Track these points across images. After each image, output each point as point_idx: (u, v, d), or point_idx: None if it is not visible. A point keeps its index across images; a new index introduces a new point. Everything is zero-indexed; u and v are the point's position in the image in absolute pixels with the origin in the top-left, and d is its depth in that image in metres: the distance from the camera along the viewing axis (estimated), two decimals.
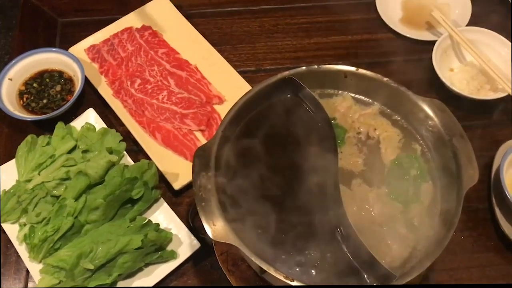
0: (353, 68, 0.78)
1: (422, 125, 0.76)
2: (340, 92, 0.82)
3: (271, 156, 0.75)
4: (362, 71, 0.78)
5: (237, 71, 0.97)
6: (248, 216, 0.69)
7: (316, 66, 0.79)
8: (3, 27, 2.40)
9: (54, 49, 0.94)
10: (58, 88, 0.93)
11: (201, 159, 0.70)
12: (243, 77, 0.96)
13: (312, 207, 0.70)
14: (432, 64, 0.95)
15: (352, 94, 0.82)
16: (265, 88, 0.77)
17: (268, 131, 0.77)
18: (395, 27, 1.03)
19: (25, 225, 0.80)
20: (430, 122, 0.75)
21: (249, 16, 1.06)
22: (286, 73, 0.77)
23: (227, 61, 0.98)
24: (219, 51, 1.00)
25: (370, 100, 0.81)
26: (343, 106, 0.81)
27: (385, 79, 0.77)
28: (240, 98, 0.75)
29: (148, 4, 1.03)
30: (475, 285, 0.79)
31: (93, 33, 1.01)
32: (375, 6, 1.05)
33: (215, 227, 0.65)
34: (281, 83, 0.78)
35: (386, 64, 1.00)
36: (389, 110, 0.80)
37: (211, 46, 1.00)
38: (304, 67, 0.78)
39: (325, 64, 0.79)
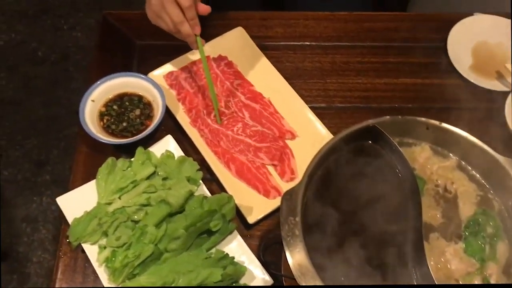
0: (436, 122, 0.80)
1: (500, 183, 0.78)
2: (418, 142, 0.84)
3: (355, 202, 0.77)
4: (445, 125, 0.80)
5: (308, 106, 0.99)
6: (332, 262, 0.71)
7: (400, 117, 0.81)
8: (51, 25, 2.46)
9: (135, 74, 0.97)
10: (138, 112, 0.96)
11: (288, 204, 0.72)
12: (314, 113, 0.99)
13: (393, 256, 0.73)
14: (500, 114, 0.97)
15: (431, 145, 0.84)
16: (348, 135, 0.79)
17: (350, 177, 0.79)
18: (465, 74, 1.04)
19: (105, 247, 0.83)
20: (509, 181, 0.76)
21: (321, 51, 1.08)
22: (370, 121, 0.80)
23: (299, 96, 1.01)
24: (291, 85, 1.02)
25: (449, 153, 0.83)
26: (422, 157, 0.83)
27: (468, 135, 0.79)
28: (325, 144, 0.77)
29: (226, 34, 1.06)
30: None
31: (170, 57, 1.04)
32: (446, 50, 1.07)
33: (303, 273, 0.67)
34: (364, 130, 0.80)
35: (454, 111, 1.01)
36: (467, 164, 0.81)
37: (284, 80, 1.02)
38: (388, 117, 0.80)
39: (408, 116, 0.81)
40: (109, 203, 0.87)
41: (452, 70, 1.06)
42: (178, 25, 0.90)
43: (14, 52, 2.37)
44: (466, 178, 0.81)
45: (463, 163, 0.82)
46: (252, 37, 1.07)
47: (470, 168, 0.81)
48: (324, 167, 0.79)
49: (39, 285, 1.81)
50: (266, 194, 0.90)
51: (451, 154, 0.83)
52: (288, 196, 0.73)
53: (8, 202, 1.99)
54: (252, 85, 1.02)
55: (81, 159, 0.95)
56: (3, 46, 2.38)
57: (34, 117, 2.20)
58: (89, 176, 0.92)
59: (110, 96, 0.97)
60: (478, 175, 0.81)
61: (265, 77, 1.03)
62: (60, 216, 0.88)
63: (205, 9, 0.92)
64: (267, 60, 1.04)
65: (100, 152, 0.95)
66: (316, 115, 0.98)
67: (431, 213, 0.78)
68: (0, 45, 2.39)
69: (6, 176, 2.03)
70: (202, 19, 1.12)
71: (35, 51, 2.37)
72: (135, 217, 0.85)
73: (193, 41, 0.93)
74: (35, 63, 2.34)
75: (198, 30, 0.92)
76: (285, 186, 0.91)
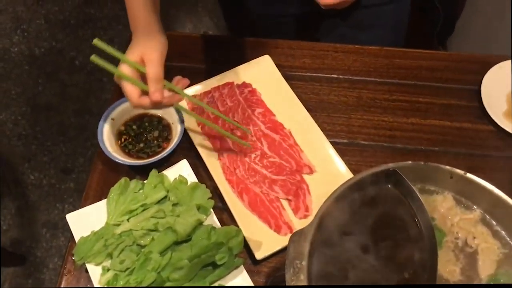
0: (461, 172, 0.76)
1: None
2: (441, 190, 0.80)
3: (367, 248, 0.73)
4: (470, 176, 0.75)
5: (329, 141, 0.97)
6: None
7: (422, 163, 0.77)
8: (91, 35, 2.52)
9: None
10: (156, 134, 0.95)
11: (296, 246, 0.69)
12: (335, 149, 0.96)
13: None
14: None
15: (454, 194, 0.79)
16: (367, 177, 0.76)
17: (364, 221, 0.75)
18: (498, 120, 0.99)
19: (108, 270, 0.82)
20: None
21: (348, 85, 1.06)
22: (391, 165, 0.76)
23: (321, 130, 0.98)
24: (313, 117, 0.99)
25: (473, 205, 0.78)
26: (443, 207, 0.79)
27: (494, 188, 0.74)
28: (341, 185, 0.74)
29: (252, 61, 1.05)
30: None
31: (195, 80, 1.03)
32: (480, 93, 1.02)
33: None
34: (384, 173, 0.77)
35: (483, 158, 0.97)
36: (492, 219, 0.77)
37: (307, 112, 0.99)
38: (410, 162, 0.76)
39: (432, 163, 0.77)
40: (117, 225, 0.85)
41: (484, 115, 1.01)
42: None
43: (53, 59, 2.43)
44: (489, 233, 0.76)
45: (488, 217, 0.77)
46: (279, 66, 1.06)
47: (494, 223, 0.76)
48: (338, 209, 0.76)
49: None
50: (278, 229, 0.87)
51: (475, 206, 0.78)
52: (297, 237, 0.70)
53: (31, 206, 2.02)
54: (273, 115, 1.00)
55: (96, 176, 0.95)
56: (43, 53, 2.45)
57: (65, 124, 2.24)
58: (101, 194, 0.92)
59: (130, 116, 0.97)
60: (503, 232, 0.75)
61: (287, 107, 1.00)
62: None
63: (184, 83, 0.87)
64: (291, 91, 1.02)
65: (115, 171, 0.94)
66: (337, 151, 0.95)
67: (449, 268, 0.73)
68: (41, 52, 2.46)
69: (32, 180, 2.07)
70: (231, 44, 1.12)
71: (73, 60, 2.43)
72: (141, 241, 0.83)
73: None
74: (72, 72, 2.40)
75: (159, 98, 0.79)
76: (298, 223, 0.88)
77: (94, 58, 0.76)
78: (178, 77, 0.87)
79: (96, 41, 0.77)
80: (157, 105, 0.81)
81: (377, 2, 1.12)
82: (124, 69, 0.80)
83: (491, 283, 0.72)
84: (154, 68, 0.79)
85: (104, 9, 2.62)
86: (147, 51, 0.81)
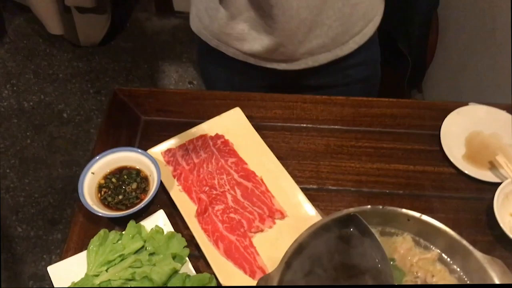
0: (417, 214, 0.81)
1: (480, 279, 0.77)
2: (400, 232, 0.85)
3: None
4: (425, 218, 0.81)
5: (300, 187, 1.02)
6: None
7: (380, 207, 0.82)
8: (79, 88, 2.60)
9: (135, 149, 1.02)
10: (134, 186, 1.00)
11: None
12: (305, 194, 1.01)
13: None
14: (490, 205, 0.97)
15: (413, 236, 0.84)
16: (330, 221, 0.81)
17: (329, 264, 0.80)
18: (457, 163, 1.05)
19: None
20: (488, 279, 0.76)
21: (316, 134, 1.12)
22: (352, 209, 0.81)
23: (291, 176, 1.03)
24: (284, 165, 1.05)
25: (430, 245, 0.83)
26: (403, 248, 0.84)
27: (448, 230, 0.79)
28: (306, 230, 0.79)
29: (224, 114, 1.11)
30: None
31: (171, 133, 1.09)
32: (439, 138, 1.09)
33: None
34: (346, 218, 0.82)
35: (445, 199, 1.02)
36: (448, 258, 0.81)
37: (277, 160, 1.05)
38: (369, 207, 0.82)
39: (389, 206, 0.82)
40: (97, 275, 0.89)
41: (444, 158, 1.07)
42: None
43: (42, 112, 2.50)
44: (447, 271, 0.81)
45: (444, 256, 0.82)
46: (251, 117, 1.12)
47: (451, 261, 0.81)
48: (304, 254, 0.80)
49: None
50: (252, 274, 0.91)
51: (432, 246, 0.83)
52: (263, 281, 0.75)
53: (18, 258, 2.03)
54: (246, 164, 1.05)
55: (76, 229, 0.99)
56: (32, 106, 2.52)
57: (53, 176, 2.28)
58: (82, 246, 0.96)
59: (109, 169, 1.02)
60: (458, 269, 0.80)
61: (259, 156, 1.06)
62: None
63: None
64: (261, 140, 1.08)
65: (95, 223, 0.98)
66: (308, 197, 1.00)
67: None
68: (29, 106, 2.52)
69: (20, 232, 2.09)
70: (206, 99, 1.19)
71: (61, 112, 2.50)
72: None
73: None
74: (60, 124, 2.46)
75: None
76: (271, 267, 0.92)
77: None
78: None
79: None
80: None
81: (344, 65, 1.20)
82: None
83: None
84: None
85: (92, 62, 2.71)
86: None
